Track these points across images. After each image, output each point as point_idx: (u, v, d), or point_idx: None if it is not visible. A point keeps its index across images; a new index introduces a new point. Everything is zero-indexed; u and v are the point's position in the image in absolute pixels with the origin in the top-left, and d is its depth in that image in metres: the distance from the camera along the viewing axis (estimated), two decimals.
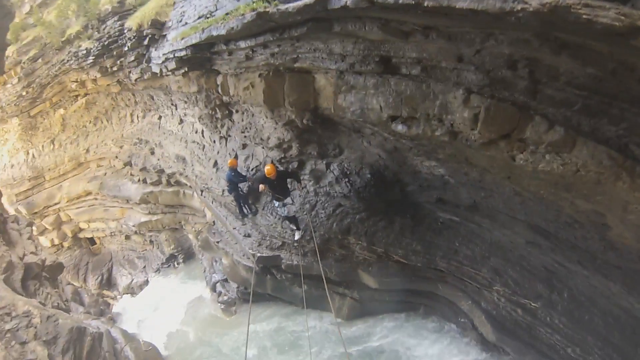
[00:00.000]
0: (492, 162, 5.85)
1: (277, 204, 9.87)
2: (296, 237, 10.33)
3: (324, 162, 10.48)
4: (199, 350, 12.37)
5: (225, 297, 13.66)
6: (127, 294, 19.36)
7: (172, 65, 11.12)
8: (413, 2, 4.05)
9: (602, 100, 4.37)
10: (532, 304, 8.12)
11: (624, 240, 5.41)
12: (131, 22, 13.91)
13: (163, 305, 16.03)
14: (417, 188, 9.21)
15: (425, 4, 3.95)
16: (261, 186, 9.07)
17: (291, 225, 10.51)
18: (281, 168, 10.80)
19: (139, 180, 18.46)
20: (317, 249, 8.78)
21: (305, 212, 10.54)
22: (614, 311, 7.09)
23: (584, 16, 3.22)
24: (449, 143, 5.92)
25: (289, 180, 10.19)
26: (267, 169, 8.98)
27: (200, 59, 10.33)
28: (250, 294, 7.89)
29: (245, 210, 11.94)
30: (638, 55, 3.63)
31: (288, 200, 9.81)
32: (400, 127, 6.38)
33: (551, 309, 7.86)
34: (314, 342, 10.33)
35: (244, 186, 11.98)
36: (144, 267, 20.04)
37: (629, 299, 6.56)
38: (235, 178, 11.38)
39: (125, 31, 14.21)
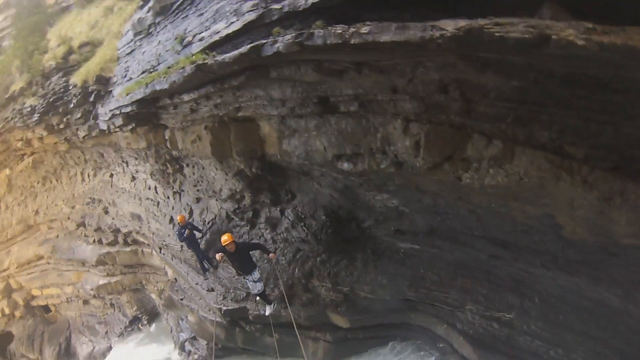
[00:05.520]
0: (441, 185, 5.96)
1: (247, 277, 8.74)
2: (267, 313, 9.48)
3: (278, 208, 10.32)
4: None
5: (196, 356, 12.94)
6: None
7: (119, 121, 10.95)
8: (340, 41, 4.20)
9: (531, 109, 4.58)
10: (506, 316, 8.09)
11: (577, 235, 5.53)
12: (76, 78, 13.54)
13: None
14: (374, 222, 9.21)
15: (352, 42, 4.10)
16: (218, 255, 8.13)
17: (261, 300, 9.58)
18: (241, 241, 10.12)
19: (94, 241, 17.43)
20: (285, 296, 8.27)
21: (265, 261, 10.14)
22: (585, 305, 7.16)
23: (496, 34, 3.42)
24: (396, 173, 6.01)
25: (255, 253, 9.30)
26: (224, 239, 7.95)
27: (146, 113, 10.21)
28: (212, 349, 7.36)
29: (205, 265, 11.50)
30: (554, 62, 3.85)
31: (251, 277, 8.64)
32: (346, 165, 6.45)
33: (526, 317, 7.84)
34: None
35: (200, 239, 11.66)
36: (106, 332, 18.68)
37: (597, 289, 6.70)
38: (185, 234, 11.00)
39: (71, 87, 13.73)
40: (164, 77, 7.54)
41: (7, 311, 20.53)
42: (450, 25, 3.55)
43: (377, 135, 5.78)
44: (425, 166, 5.42)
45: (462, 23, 3.53)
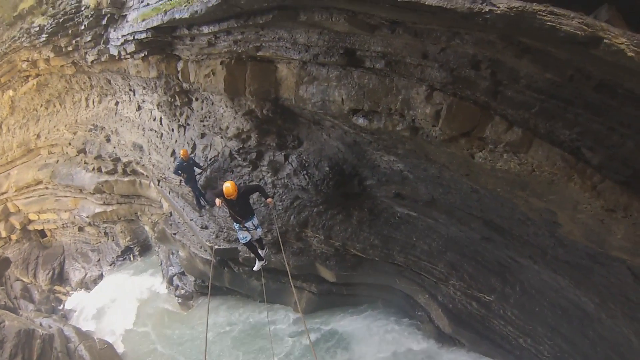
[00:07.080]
0: (452, 159, 5.94)
1: (236, 226, 8.10)
2: (255, 268, 9.11)
3: (283, 153, 10.26)
4: (156, 346, 12.03)
5: (182, 291, 13.38)
6: (81, 289, 18.46)
7: (131, 47, 10.65)
8: None
9: (558, 105, 4.54)
10: (487, 297, 8.41)
11: (573, 237, 5.66)
12: None
13: (119, 300, 15.46)
14: (376, 182, 9.24)
15: None
16: (217, 201, 7.41)
17: (253, 254, 9.03)
18: (241, 183, 9.95)
19: (93, 168, 17.51)
20: (280, 243, 8.10)
21: (262, 204, 10.21)
22: (562, 303, 7.46)
23: (548, 23, 3.31)
24: (410, 138, 5.96)
25: (253, 196, 8.94)
26: (227, 187, 7.29)
27: (161, 42, 9.93)
28: (209, 286, 7.53)
29: (202, 202, 11.63)
30: (595, 65, 3.78)
31: (250, 224, 8.06)
32: (361, 121, 6.37)
33: (504, 302, 8.17)
34: (272, 335, 10.27)
35: (199, 174, 11.72)
36: (99, 260, 19.10)
37: (576, 292, 6.92)
38: (187, 169, 11.05)
39: (83, 8, 13.16)
40: (185, 6, 7.25)
41: (3, 234, 20.78)
42: (502, 3, 3.42)
43: (399, 97, 5.67)
44: (442, 137, 5.35)
45: (516, 4, 3.40)
